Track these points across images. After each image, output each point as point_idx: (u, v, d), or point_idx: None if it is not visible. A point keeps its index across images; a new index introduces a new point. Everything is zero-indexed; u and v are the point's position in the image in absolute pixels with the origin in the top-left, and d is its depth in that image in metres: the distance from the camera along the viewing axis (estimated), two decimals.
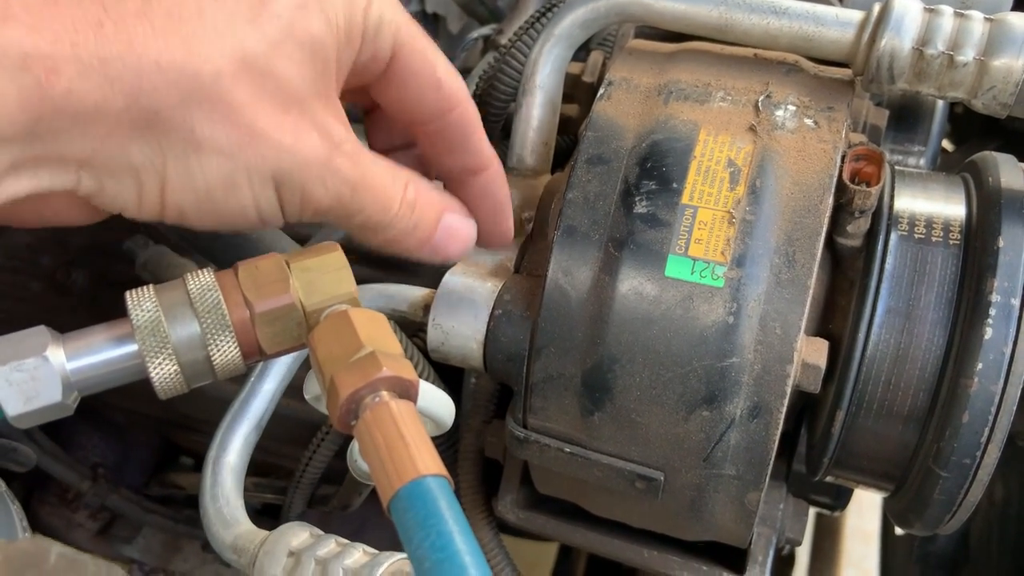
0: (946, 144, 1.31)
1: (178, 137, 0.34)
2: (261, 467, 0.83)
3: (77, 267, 0.79)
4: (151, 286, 0.35)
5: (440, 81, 0.44)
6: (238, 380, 0.50)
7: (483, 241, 0.49)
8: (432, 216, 0.44)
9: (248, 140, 0.35)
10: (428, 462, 0.29)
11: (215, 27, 0.34)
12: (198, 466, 0.98)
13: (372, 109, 0.48)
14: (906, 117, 0.71)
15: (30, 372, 0.32)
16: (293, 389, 0.58)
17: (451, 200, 0.46)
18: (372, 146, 0.49)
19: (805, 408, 0.60)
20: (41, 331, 0.33)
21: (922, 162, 0.71)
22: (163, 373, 0.34)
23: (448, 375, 0.64)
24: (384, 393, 0.31)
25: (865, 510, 1.66)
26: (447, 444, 0.67)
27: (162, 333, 0.33)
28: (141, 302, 0.34)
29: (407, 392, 0.32)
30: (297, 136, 0.37)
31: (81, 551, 0.31)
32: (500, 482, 0.63)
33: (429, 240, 0.44)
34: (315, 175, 0.37)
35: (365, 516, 0.73)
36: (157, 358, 0.33)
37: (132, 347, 0.34)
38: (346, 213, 0.39)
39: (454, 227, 0.45)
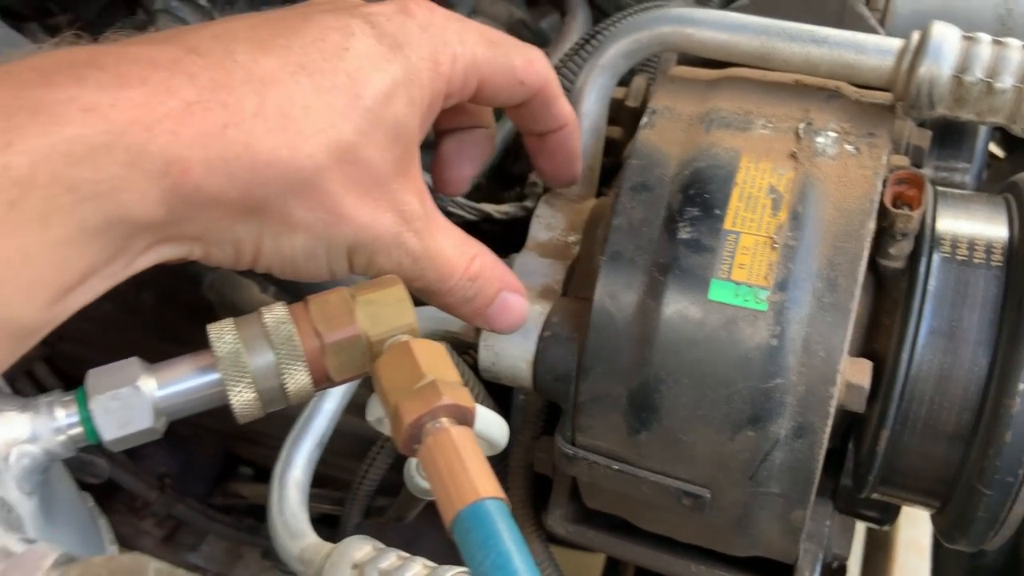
0: (997, 151, 1.30)
1: (276, 219, 0.39)
2: (319, 478, 0.86)
3: (146, 288, 0.83)
4: (231, 320, 0.38)
5: (522, 82, 0.49)
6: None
7: (553, 183, 0.59)
8: (491, 291, 0.48)
9: (334, 221, 0.40)
10: (487, 485, 0.31)
11: (317, 122, 0.39)
12: (258, 476, 1.02)
13: None
14: (950, 135, 0.71)
15: (124, 401, 0.35)
16: (351, 405, 0.61)
17: (512, 279, 0.51)
18: (439, 126, 0.54)
19: (851, 425, 0.61)
20: (133, 362, 0.37)
21: (967, 179, 0.71)
22: (242, 400, 0.37)
23: (497, 391, 0.66)
24: (444, 420, 0.34)
25: (918, 522, 1.64)
26: (498, 459, 0.69)
27: (242, 363, 0.36)
28: (223, 335, 0.37)
29: (465, 418, 0.34)
30: (374, 216, 0.42)
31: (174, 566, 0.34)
32: (549, 496, 0.65)
33: (483, 311, 0.49)
34: (383, 247, 0.43)
35: (418, 527, 0.76)
36: (237, 386, 0.36)
37: (214, 376, 0.37)
38: (407, 278, 0.44)
39: (509, 304, 0.50)
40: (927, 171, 0.71)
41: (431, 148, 0.77)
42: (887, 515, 0.73)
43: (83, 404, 0.36)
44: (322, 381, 0.38)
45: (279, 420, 0.58)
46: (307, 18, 0.42)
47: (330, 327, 0.37)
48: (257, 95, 0.37)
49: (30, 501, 0.35)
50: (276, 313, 0.38)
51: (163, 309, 0.82)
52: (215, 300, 0.70)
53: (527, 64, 0.49)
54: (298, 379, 0.37)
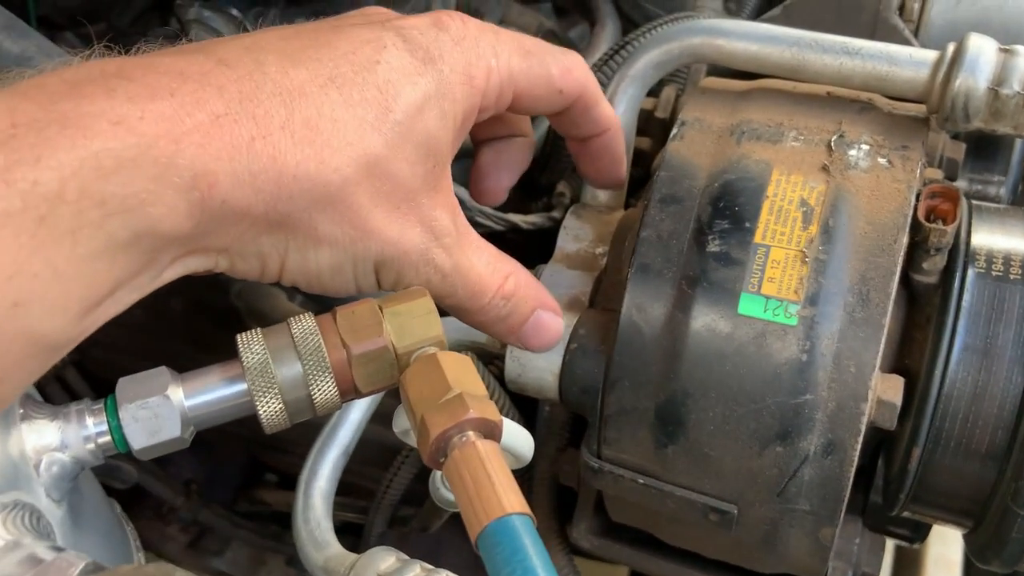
0: None
1: (302, 233, 0.39)
2: (344, 487, 0.87)
3: (175, 295, 0.84)
4: (259, 330, 0.38)
5: (560, 91, 0.48)
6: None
7: (599, 186, 0.60)
8: (526, 310, 0.48)
9: (360, 236, 0.40)
10: (513, 501, 0.31)
11: (345, 135, 0.38)
12: (282, 483, 1.02)
13: None
14: (985, 147, 0.70)
15: (153, 410, 0.35)
16: (376, 415, 0.61)
17: (547, 297, 0.50)
18: (476, 136, 0.54)
19: (882, 442, 0.60)
20: (162, 372, 0.37)
21: (1002, 192, 0.70)
22: (270, 410, 0.37)
23: (523, 402, 0.66)
24: (471, 433, 0.34)
25: (948, 539, 1.61)
26: (523, 470, 0.69)
27: (269, 374, 0.36)
28: (251, 345, 0.37)
29: (492, 432, 0.34)
30: (402, 231, 0.41)
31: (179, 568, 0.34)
32: (574, 509, 0.65)
33: (517, 330, 0.48)
34: (411, 263, 0.42)
35: (442, 537, 0.76)
36: (265, 397, 0.36)
37: (242, 386, 0.37)
38: (437, 295, 0.44)
39: (544, 323, 0.49)
40: (961, 184, 0.70)
41: (468, 157, 0.78)
42: (918, 533, 0.72)
43: (113, 413, 0.36)
44: (349, 392, 0.38)
45: (305, 428, 0.58)
46: (339, 31, 0.41)
47: (357, 338, 0.37)
48: (285, 107, 0.37)
49: (59, 509, 0.35)
50: (304, 324, 0.38)
51: (192, 316, 0.83)
52: (243, 308, 0.71)
53: (565, 72, 0.48)
54: (325, 390, 0.37)
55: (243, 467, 0.98)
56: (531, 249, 0.68)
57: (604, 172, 0.55)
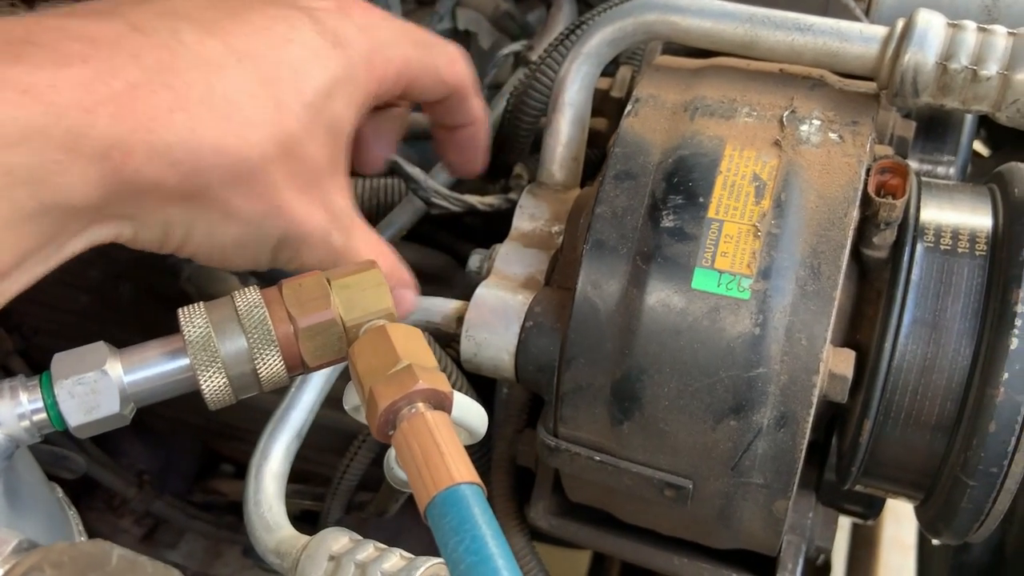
0: (982, 149, 1.31)
1: (213, 207, 0.39)
2: (300, 474, 0.85)
3: (124, 280, 0.81)
4: (201, 303, 0.37)
5: (444, 81, 0.51)
6: (278, 390, 0.53)
7: (458, 172, 0.64)
8: (391, 285, 0.51)
9: (270, 213, 0.41)
10: (463, 470, 0.30)
11: (263, 114, 0.39)
12: (239, 473, 1.00)
13: None
14: (935, 127, 0.71)
15: (91, 385, 0.34)
16: (331, 400, 0.60)
17: (404, 273, 0.54)
18: None
19: (835, 417, 0.61)
20: (100, 347, 0.36)
21: (952, 171, 0.71)
22: (213, 386, 0.36)
23: (481, 385, 0.65)
24: (420, 404, 0.33)
25: (902, 520, 1.65)
26: (480, 453, 0.68)
27: (212, 348, 0.35)
28: (193, 318, 0.36)
29: (442, 403, 0.34)
30: (308, 212, 0.42)
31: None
32: (532, 490, 0.64)
33: None
34: (312, 243, 0.44)
35: (401, 522, 0.75)
36: (208, 371, 0.36)
37: (184, 361, 0.36)
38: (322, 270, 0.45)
39: (403, 297, 0.52)
40: (912, 163, 0.71)
41: (421, 140, 0.77)
42: (871, 509, 0.73)
43: (48, 389, 0.35)
44: (296, 367, 0.37)
45: (260, 415, 0.57)
46: (250, 6, 0.41)
47: (304, 311, 0.37)
48: (204, 80, 0.37)
49: None
50: (248, 297, 0.37)
51: (141, 302, 0.81)
52: (193, 292, 0.69)
53: (450, 64, 0.51)
54: (271, 364, 0.36)
55: (198, 457, 0.97)
56: (489, 230, 0.67)
57: (467, 162, 0.61)
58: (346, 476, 0.69)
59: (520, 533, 0.67)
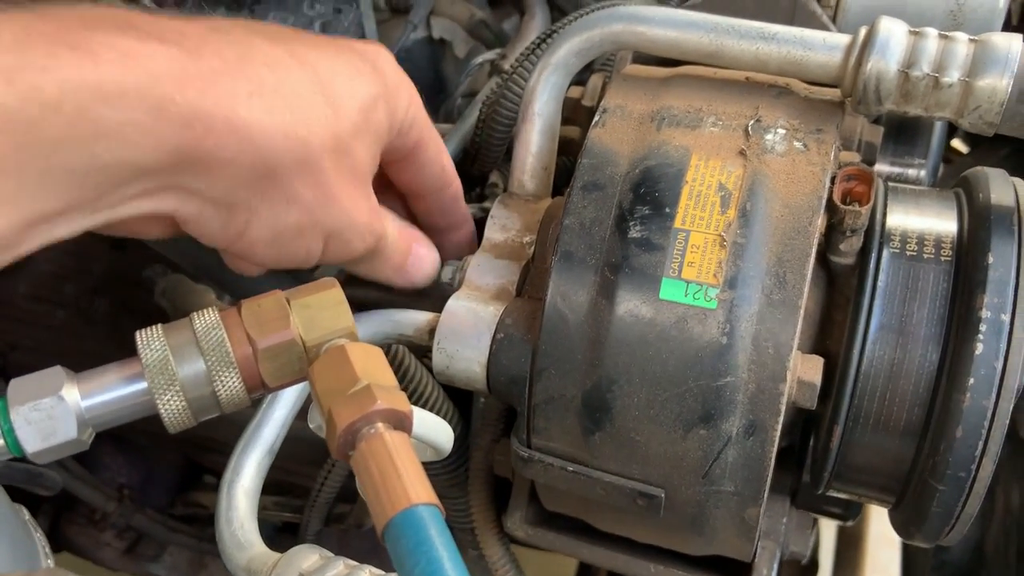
0: (961, 146, 1.31)
1: (279, 190, 0.42)
2: (281, 486, 0.86)
3: (100, 295, 0.81)
4: (159, 326, 0.37)
5: (443, 167, 0.57)
6: (255, 404, 0.53)
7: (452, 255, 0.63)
8: (406, 247, 0.57)
9: (325, 201, 0.45)
10: (420, 491, 0.30)
11: (324, 110, 0.43)
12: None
13: None
14: (906, 131, 0.71)
15: (47, 411, 0.34)
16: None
17: (419, 233, 0.59)
18: None
19: (811, 421, 0.61)
20: (57, 371, 0.36)
21: (922, 174, 0.72)
22: (171, 409, 0.36)
23: (458, 395, 0.66)
24: (379, 425, 0.33)
25: (887, 517, 1.66)
26: (458, 463, 0.68)
27: (170, 371, 0.35)
28: (150, 342, 0.36)
29: (401, 423, 0.34)
30: (355, 204, 0.48)
31: (109, 570, 0.33)
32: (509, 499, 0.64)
33: (402, 267, 0.57)
34: (360, 233, 0.49)
35: None
36: (166, 395, 0.35)
37: (142, 385, 0.36)
38: (362, 260, 0.52)
39: (420, 255, 0.58)
40: (883, 167, 0.71)
41: None
42: (850, 511, 0.73)
43: (4, 415, 0.35)
44: (256, 387, 0.37)
45: (240, 428, 0.57)
46: (300, 34, 0.48)
47: (263, 332, 0.37)
48: (274, 75, 0.41)
49: None
50: (206, 319, 0.37)
51: (117, 316, 0.81)
52: (168, 307, 0.69)
53: (448, 157, 0.59)
54: (230, 386, 0.36)
55: (179, 470, 0.96)
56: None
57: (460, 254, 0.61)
58: (324, 489, 0.69)
59: (498, 542, 0.68)
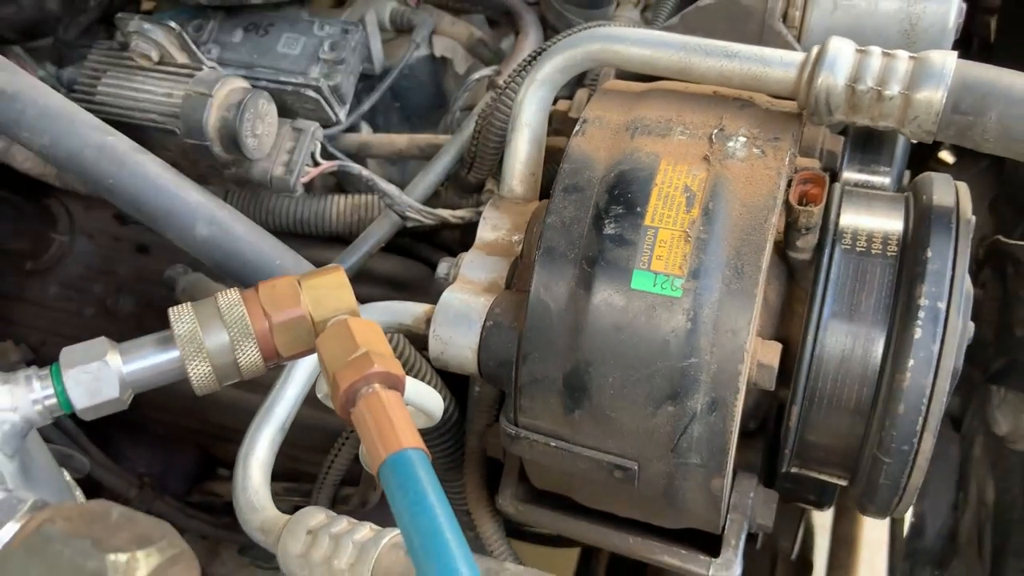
0: (948, 157, 1.37)
1: None
2: (290, 473, 0.91)
3: (124, 294, 0.87)
4: (189, 303, 0.43)
5: None
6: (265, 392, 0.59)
7: None
8: None
9: None
10: (409, 438, 0.36)
11: None
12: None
13: None
14: (872, 142, 0.76)
15: (94, 374, 0.40)
16: (316, 400, 0.66)
17: None
18: None
19: (781, 411, 0.66)
20: (102, 341, 0.41)
21: (887, 182, 0.77)
22: (200, 373, 0.41)
23: (454, 387, 0.71)
24: (376, 385, 0.39)
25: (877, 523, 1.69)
26: (455, 447, 0.74)
27: (198, 341, 0.41)
28: (181, 316, 0.42)
29: (395, 384, 0.39)
30: None
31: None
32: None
33: None
34: None
35: (384, 513, 0.80)
36: (195, 361, 0.41)
37: (175, 353, 0.42)
38: None
39: None
40: (851, 175, 0.77)
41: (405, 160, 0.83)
42: (824, 497, 0.78)
43: (57, 377, 0.41)
44: (272, 357, 0.43)
45: (249, 418, 0.63)
46: None
47: (277, 309, 0.42)
48: None
49: (11, 463, 0.40)
50: (229, 297, 0.43)
51: (140, 313, 0.87)
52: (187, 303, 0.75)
53: None
54: (249, 355, 0.42)
55: (196, 461, 1.02)
56: (465, 243, 0.73)
57: None
58: (331, 471, 0.74)
59: (491, 520, 0.73)
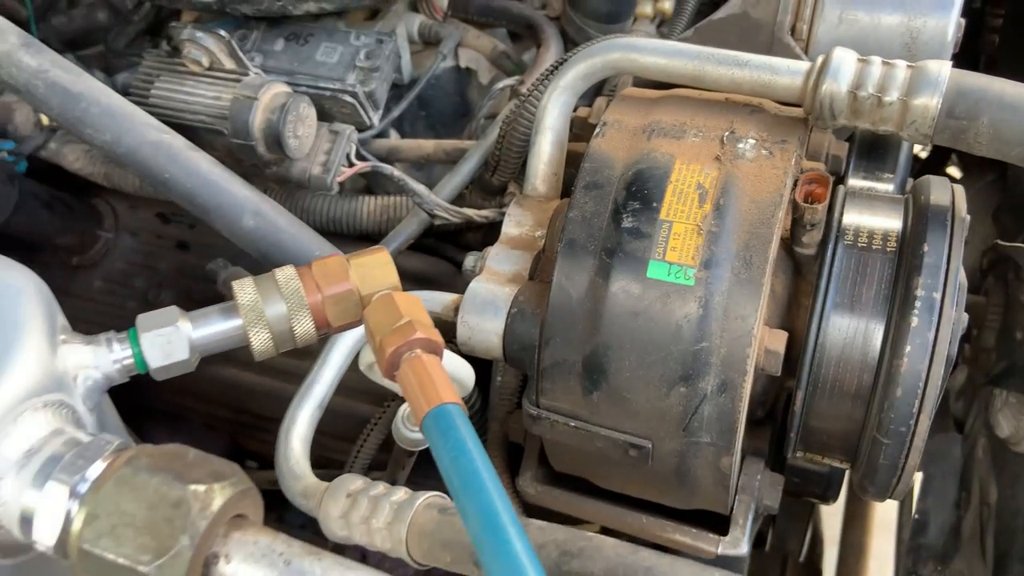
0: (956, 172, 1.41)
1: None
2: (320, 461, 0.95)
3: (165, 288, 0.92)
4: (251, 277, 0.48)
5: None
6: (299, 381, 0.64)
7: None
8: None
9: None
10: (448, 394, 0.40)
11: None
12: (263, 467, 1.10)
13: None
14: (877, 149, 0.81)
15: (167, 337, 0.44)
16: (347, 388, 0.70)
17: None
18: None
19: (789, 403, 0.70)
20: (173, 309, 0.46)
21: (891, 187, 0.81)
22: (260, 339, 0.46)
23: (478, 376, 0.75)
24: (418, 350, 0.43)
25: (889, 527, 1.72)
26: (478, 433, 0.78)
27: (259, 310, 0.46)
28: (244, 288, 0.46)
29: (435, 349, 0.44)
30: None
31: None
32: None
33: None
34: None
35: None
36: (256, 328, 0.46)
37: (238, 321, 0.46)
38: None
39: None
40: (857, 181, 0.81)
41: (434, 164, 0.88)
42: (829, 491, 0.82)
43: (134, 340, 0.45)
44: (323, 326, 0.48)
45: (285, 405, 0.67)
46: None
47: (329, 283, 0.47)
48: None
49: (90, 415, 0.44)
50: (287, 272, 0.47)
51: (182, 307, 0.92)
52: (230, 297, 0.80)
53: None
54: (304, 324, 0.47)
55: (225, 452, 1.06)
56: (487, 243, 0.77)
57: None
58: (361, 451, 0.78)
59: (513, 503, 0.77)
